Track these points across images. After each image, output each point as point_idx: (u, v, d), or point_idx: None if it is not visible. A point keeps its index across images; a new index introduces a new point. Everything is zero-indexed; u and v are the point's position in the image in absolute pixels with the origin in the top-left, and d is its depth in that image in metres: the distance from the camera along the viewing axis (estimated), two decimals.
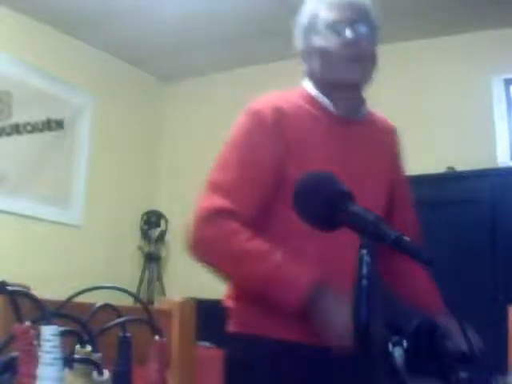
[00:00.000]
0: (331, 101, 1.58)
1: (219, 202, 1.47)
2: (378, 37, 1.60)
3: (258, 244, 1.44)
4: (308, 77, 1.63)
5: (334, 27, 1.55)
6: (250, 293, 1.47)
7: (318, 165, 1.44)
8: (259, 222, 1.48)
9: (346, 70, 1.54)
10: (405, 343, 1.10)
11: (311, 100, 1.60)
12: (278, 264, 1.40)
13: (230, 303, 1.57)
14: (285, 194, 1.34)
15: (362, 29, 1.55)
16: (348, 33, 1.53)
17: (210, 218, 1.48)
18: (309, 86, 1.63)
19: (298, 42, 1.64)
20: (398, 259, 1.51)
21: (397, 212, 1.64)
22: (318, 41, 1.56)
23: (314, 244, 1.42)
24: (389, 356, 1.07)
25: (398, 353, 1.09)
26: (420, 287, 1.61)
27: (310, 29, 1.59)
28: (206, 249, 1.50)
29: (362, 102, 1.63)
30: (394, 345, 1.10)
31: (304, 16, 1.64)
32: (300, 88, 1.65)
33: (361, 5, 1.59)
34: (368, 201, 1.42)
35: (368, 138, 1.62)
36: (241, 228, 1.45)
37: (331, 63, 1.55)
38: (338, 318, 1.28)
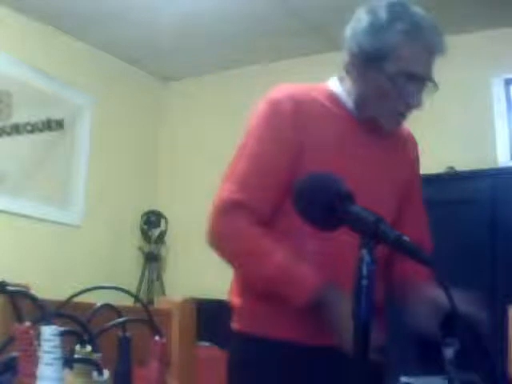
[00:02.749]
0: (355, 105, 1.53)
1: (235, 194, 1.46)
2: None
3: (269, 241, 1.44)
4: (346, 72, 1.53)
5: (406, 80, 1.44)
6: (261, 289, 1.47)
7: (331, 166, 1.38)
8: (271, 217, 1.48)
9: (390, 120, 1.50)
10: (456, 344, 1.14)
11: (334, 99, 1.54)
12: (288, 260, 1.40)
13: (234, 300, 1.56)
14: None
15: (427, 91, 1.48)
16: (415, 99, 1.46)
17: (225, 210, 1.47)
18: (335, 86, 1.56)
19: (355, 50, 1.48)
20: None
21: (409, 221, 1.60)
22: (380, 76, 1.45)
23: (314, 243, 1.42)
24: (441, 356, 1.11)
25: (449, 353, 1.13)
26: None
27: (381, 56, 1.44)
28: (219, 243, 1.51)
29: None
30: (446, 346, 1.14)
31: (388, 34, 1.44)
32: (323, 85, 1.59)
33: (439, 53, 1.48)
34: (377, 207, 1.41)
35: (387, 143, 1.58)
36: (253, 224, 1.45)
37: (380, 105, 1.48)
38: (347, 320, 1.26)
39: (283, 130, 1.49)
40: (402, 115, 1.50)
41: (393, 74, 1.44)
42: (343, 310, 1.25)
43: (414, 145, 1.69)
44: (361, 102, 1.51)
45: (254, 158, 1.49)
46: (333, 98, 1.55)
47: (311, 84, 1.60)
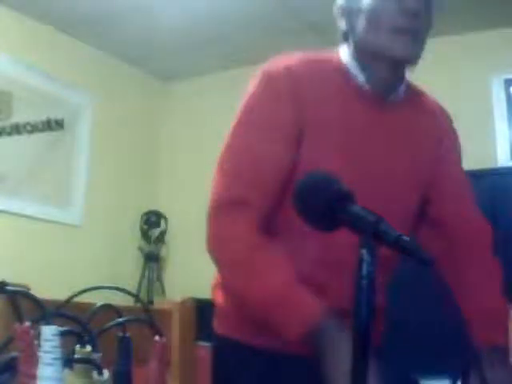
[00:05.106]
0: (366, 75, 1.34)
1: (231, 190, 1.26)
2: (433, 17, 1.34)
3: (269, 254, 1.22)
4: (344, 40, 1.38)
5: None
6: (248, 311, 1.26)
7: (335, 149, 1.28)
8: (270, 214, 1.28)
9: (395, 42, 1.27)
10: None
11: (342, 69, 1.35)
12: (286, 284, 1.17)
13: (218, 300, 1.40)
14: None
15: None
16: (410, 2, 1.26)
17: (221, 210, 1.26)
18: (343, 53, 1.37)
19: (340, 3, 1.35)
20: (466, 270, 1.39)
21: (450, 197, 1.45)
22: (366, 3, 1.29)
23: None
24: None
25: None
26: (480, 307, 1.35)
27: None
28: (212, 249, 1.28)
29: (401, 81, 1.39)
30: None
31: None
32: (332, 54, 1.39)
33: None
34: (394, 199, 1.33)
35: (404, 120, 1.39)
36: (253, 228, 1.23)
37: (380, 30, 1.28)
38: (342, 377, 1.07)
39: (280, 111, 1.29)
40: (407, 32, 1.27)
41: None
42: (339, 362, 1.07)
43: (443, 117, 1.49)
44: (361, 47, 1.33)
45: (249, 146, 1.29)
46: (340, 67, 1.36)
47: (317, 53, 1.40)
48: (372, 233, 0.86)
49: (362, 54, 1.33)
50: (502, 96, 3.86)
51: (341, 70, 1.35)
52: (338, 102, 1.32)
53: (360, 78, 1.34)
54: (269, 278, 1.18)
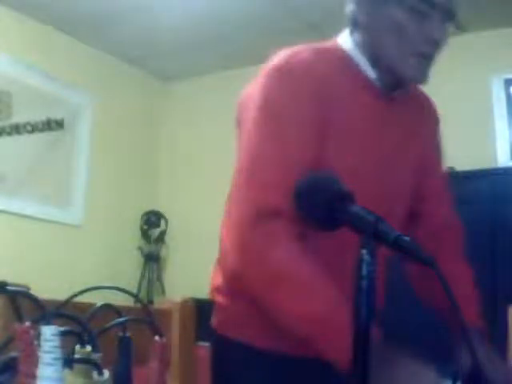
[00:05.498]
0: (377, 71, 1.30)
1: (267, 200, 1.16)
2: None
3: (309, 267, 1.15)
4: (353, 27, 1.31)
5: (427, 9, 1.23)
6: (286, 325, 1.17)
7: (353, 147, 1.26)
8: None
9: (413, 65, 1.25)
10: None
11: (347, 60, 1.31)
12: (330, 303, 1.11)
13: (219, 299, 1.37)
14: None
15: (449, 26, 1.27)
16: (437, 32, 1.24)
17: (258, 222, 1.16)
18: (347, 44, 1.32)
19: None
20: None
21: (432, 198, 1.46)
22: (396, 8, 1.23)
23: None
24: None
25: None
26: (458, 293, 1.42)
27: None
28: (247, 260, 1.18)
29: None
30: None
31: None
32: (333, 43, 1.35)
33: None
34: (395, 184, 1.35)
35: (407, 116, 1.38)
36: (290, 238, 1.15)
37: (398, 47, 1.25)
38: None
39: (304, 109, 1.22)
40: (425, 58, 1.26)
41: (412, 0, 1.22)
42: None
43: (434, 112, 1.50)
44: (376, 51, 1.28)
45: (279, 151, 1.19)
46: (345, 58, 1.31)
47: (318, 43, 1.34)
48: (372, 233, 0.86)
49: (375, 55, 1.30)
50: (502, 96, 3.85)
51: (346, 61, 1.31)
52: (351, 96, 1.28)
53: (370, 72, 1.31)
54: (314, 294, 1.12)
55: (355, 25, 1.31)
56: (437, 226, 1.48)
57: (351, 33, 1.33)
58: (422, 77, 1.29)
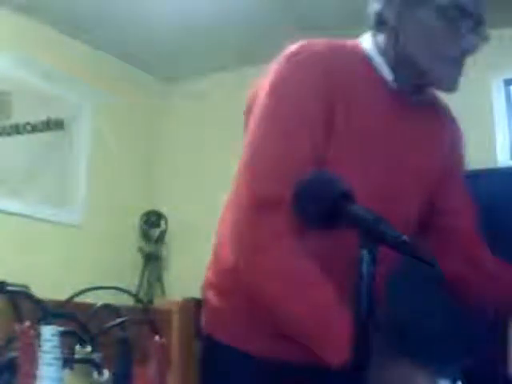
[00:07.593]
0: (395, 74, 1.29)
1: (269, 189, 1.14)
2: None
3: (307, 263, 1.13)
4: (377, 28, 1.29)
5: (458, 15, 1.21)
6: (283, 322, 1.15)
7: (361, 145, 1.24)
8: None
9: (445, 72, 1.26)
10: None
11: (366, 61, 1.29)
12: (328, 302, 1.09)
13: (209, 295, 1.35)
14: None
15: (483, 35, 1.25)
16: (467, 40, 1.23)
17: (260, 211, 1.14)
18: (367, 44, 1.31)
19: None
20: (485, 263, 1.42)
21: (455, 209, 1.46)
22: (428, 13, 1.21)
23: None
24: None
25: None
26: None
27: None
28: (249, 249, 1.16)
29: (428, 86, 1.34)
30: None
31: None
32: (355, 43, 1.32)
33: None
34: (402, 185, 1.32)
35: (421, 123, 1.36)
36: (289, 229, 1.12)
37: (430, 54, 1.23)
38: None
39: (312, 101, 1.19)
40: (455, 65, 1.27)
41: (445, 5, 1.20)
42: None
43: (455, 126, 1.50)
44: (402, 52, 1.25)
45: (283, 141, 1.18)
46: (362, 57, 1.29)
47: (339, 40, 1.32)
48: (372, 232, 0.86)
49: (399, 57, 1.27)
50: (502, 96, 3.85)
51: (363, 60, 1.29)
52: (362, 94, 1.26)
53: (387, 74, 1.29)
54: (314, 291, 1.10)
55: (380, 24, 1.28)
56: (463, 242, 1.50)
57: (373, 34, 1.31)
58: (453, 84, 1.29)
